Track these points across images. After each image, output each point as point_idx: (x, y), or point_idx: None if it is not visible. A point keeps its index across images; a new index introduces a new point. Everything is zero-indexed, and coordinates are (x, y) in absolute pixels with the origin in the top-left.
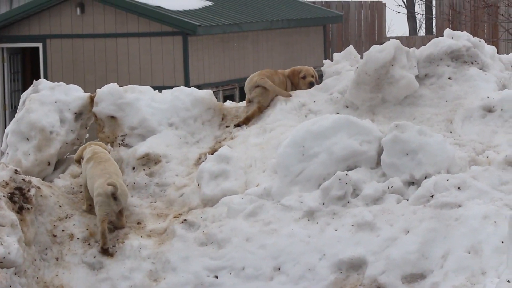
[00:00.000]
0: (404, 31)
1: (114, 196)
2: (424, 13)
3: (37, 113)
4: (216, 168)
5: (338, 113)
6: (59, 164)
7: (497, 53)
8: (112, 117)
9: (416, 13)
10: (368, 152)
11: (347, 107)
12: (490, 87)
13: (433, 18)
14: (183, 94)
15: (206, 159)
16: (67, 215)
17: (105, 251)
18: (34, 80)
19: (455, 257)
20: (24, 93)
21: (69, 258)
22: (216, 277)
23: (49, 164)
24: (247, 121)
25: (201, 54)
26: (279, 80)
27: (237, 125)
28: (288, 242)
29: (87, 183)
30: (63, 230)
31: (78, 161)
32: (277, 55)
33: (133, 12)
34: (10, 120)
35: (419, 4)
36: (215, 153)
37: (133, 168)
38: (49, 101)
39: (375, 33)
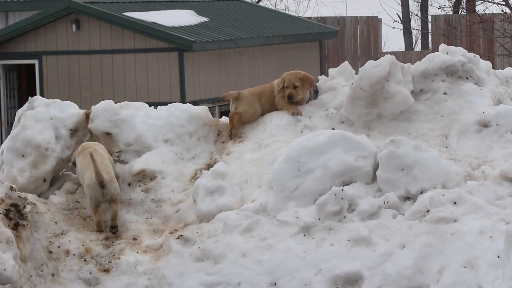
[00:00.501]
0: (400, 46)
1: (102, 185)
2: (420, 29)
3: (32, 130)
4: (211, 184)
5: (333, 129)
6: (55, 180)
7: (493, 68)
8: (108, 134)
9: (412, 29)
10: (363, 167)
11: (343, 122)
12: (486, 102)
13: (429, 33)
14: (178, 110)
15: (201, 175)
16: (62, 231)
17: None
18: (30, 97)
19: (451, 272)
20: (19, 110)
21: (65, 274)
22: None
23: (44, 180)
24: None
25: (197, 70)
26: (265, 99)
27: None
28: (284, 258)
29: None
30: (59, 246)
31: (74, 163)
32: (273, 71)
33: (128, 29)
34: (7, 137)
35: (414, 20)
36: (211, 169)
37: (129, 184)
38: (44, 118)
39: (371, 48)
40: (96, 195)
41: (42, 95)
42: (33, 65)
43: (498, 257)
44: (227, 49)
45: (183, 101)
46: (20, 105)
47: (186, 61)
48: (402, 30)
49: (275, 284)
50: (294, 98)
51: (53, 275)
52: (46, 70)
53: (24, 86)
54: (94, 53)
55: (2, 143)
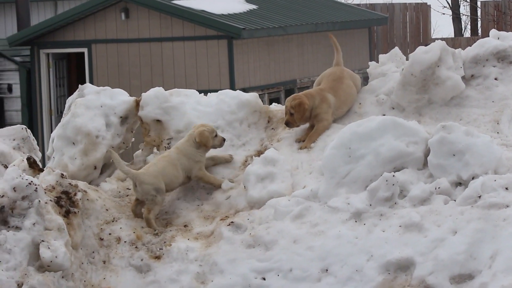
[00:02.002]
0: (449, 32)
1: (135, 185)
2: (469, 15)
3: (83, 118)
4: (262, 170)
5: (384, 115)
6: (105, 168)
7: None
8: (158, 121)
9: (461, 15)
10: (414, 153)
11: (393, 108)
12: None
13: (478, 19)
14: (228, 97)
15: (252, 161)
16: (113, 218)
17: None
18: (80, 85)
19: (504, 257)
20: (69, 97)
21: (116, 261)
22: (264, 279)
23: (95, 168)
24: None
25: (246, 58)
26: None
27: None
28: (336, 244)
29: None
30: (110, 234)
31: None
32: (322, 58)
33: (177, 17)
34: (56, 125)
35: (464, 6)
36: (261, 156)
37: None
38: (94, 106)
39: (420, 34)
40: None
41: (91, 83)
42: (83, 53)
43: None
44: (276, 36)
45: (232, 88)
46: (70, 94)
47: (235, 48)
48: (451, 16)
49: (327, 270)
50: (291, 125)
51: (104, 262)
52: (95, 58)
53: (73, 75)
54: (143, 41)
55: (52, 131)
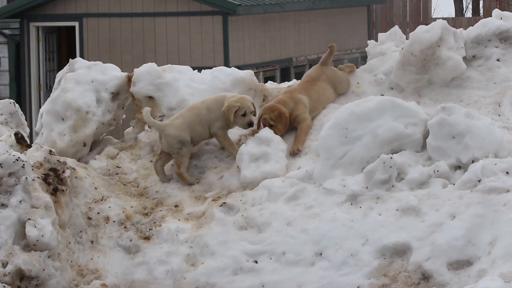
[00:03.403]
0: (450, 12)
1: (160, 137)
2: None
3: (73, 93)
4: (256, 150)
5: (382, 95)
6: (95, 145)
7: None
8: (150, 97)
9: None
10: (413, 135)
11: (392, 88)
12: None
13: None
14: (222, 74)
15: (246, 141)
16: (102, 197)
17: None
18: (70, 59)
19: (503, 243)
20: (59, 72)
21: (105, 242)
22: (256, 262)
23: (84, 145)
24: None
25: (241, 34)
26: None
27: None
28: (330, 227)
29: None
30: (98, 213)
31: None
32: (319, 36)
33: None
34: (45, 100)
35: None
36: (256, 135)
37: None
38: (85, 81)
39: (420, 14)
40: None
41: (82, 58)
42: (73, 27)
43: None
44: (273, 13)
45: (226, 65)
46: (60, 69)
47: (230, 25)
48: None
49: (321, 254)
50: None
51: (92, 242)
52: (86, 32)
53: (63, 49)
54: (136, 16)
55: (41, 106)
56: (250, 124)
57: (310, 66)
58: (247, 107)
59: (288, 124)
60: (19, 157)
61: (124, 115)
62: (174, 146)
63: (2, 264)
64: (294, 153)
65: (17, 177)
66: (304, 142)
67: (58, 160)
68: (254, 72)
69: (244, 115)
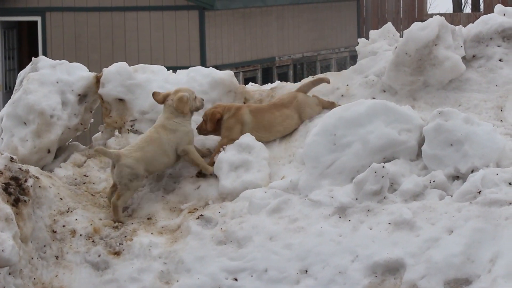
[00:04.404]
0: (448, 7)
1: (113, 165)
2: None
3: (36, 95)
4: (236, 158)
5: (374, 98)
6: (60, 151)
7: None
8: (121, 100)
9: None
10: (407, 142)
11: (385, 91)
12: None
13: None
14: (200, 75)
15: (225, 148)
16: (68, 208)
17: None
18: (33, 58)
19: (505, 260)
20: (21, 71)
21: (71, 257)
22: (236, 279)
23: (49, 151)
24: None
25: (220, 31)
26: None
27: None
28: (317, 242)
29: None
30: (64, 226)
31: None
32: (304, 33)
33: None
34: (5, 102)
35: None
36: (236, 142)
37: None
38: (49, 81)
39: (415, 9)
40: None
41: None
42: (35, 22)
43: None
44: (254, 8)
45: (203, 65)
46: (20, 68)
47: (207, 21)
48: None
49: (306, 271)
50: (201, 132)
51: (57, 257)
52: (50, 28)
53: (24, 46)
54: (104, 10)
55: (0, 109)
56: (202, 99)
57: (294, 67)
58: (189, 91)
59: (215, 127)
60: None
61: (92, 119)
62: (125, 177)
63: None
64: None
65: None
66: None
67: (20, 168)
68: (234, 73)
69: (194, 98)
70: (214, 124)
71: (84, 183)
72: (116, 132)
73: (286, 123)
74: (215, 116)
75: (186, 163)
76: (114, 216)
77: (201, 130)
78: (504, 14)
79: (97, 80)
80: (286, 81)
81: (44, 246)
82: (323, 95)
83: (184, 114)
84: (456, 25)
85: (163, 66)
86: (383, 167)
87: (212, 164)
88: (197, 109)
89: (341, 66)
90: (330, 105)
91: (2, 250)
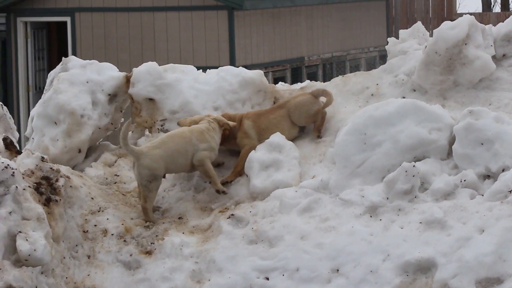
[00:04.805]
0: (477, 7)
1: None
2: None
3: (66, 94)
4: (267, 157)
5: (404, 97)
6: (91, 151)
7: None
8: (151, 100)
9: None
10: (438, 141)
11: (415, 90)
12: None
13: None
14: (230, 75)
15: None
16: (100, 208)
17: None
18: (63, 58)
19: None
20: (51, 72)
21: (102, 256)
22: (267, 278)
23: (79, 151)
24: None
25: (249, 31)
26: None
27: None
28: (348, 241)
29: None
30: (95, 225)
31: None
32: (333, 33)
33: None
34: (34, 103)
35: None
36: (266, 141)
37: None
38: (79, 81)
39: (444, 8)
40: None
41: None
42: (65, 23)
43: None
44: (283, 8)
45: (232, 65)
46: (50, 68)
47: (237, 21)
48: None
49: (338, 270)
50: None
51: (89, 257)
52: (79, 29)
53: (54, 47)
54: (133, 11)
55: (30, 109)
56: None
57: (324, 66)
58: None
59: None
60: (8, 165)
61: (122, 119)
62: (144, 178)
63: None
64: (225, 181)
65: (7, 186)
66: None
67: (51, 168)
68: (263, 73)
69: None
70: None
71: (115, 183)
72: (147, 132)
73: (281, 125)
74: (224, 132)
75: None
76: (145, 217)
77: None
78: None
79: (127, 80)
80: (316, 80)
81: (76, 245)
82: (352, 94)
83: (224, 135)
84: (485, 25)
85: (192, 66)
86: (413, 166)
87: (237, 173)
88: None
89: (371, 65)
90: (323, 93)
91: (35, 250)
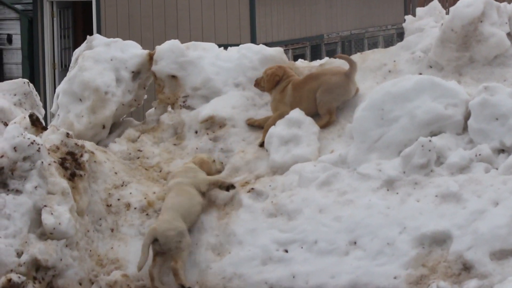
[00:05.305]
0: None
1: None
2: None
3: (91, 72)
4: (286, 132)
5: (420, 74)
6: (115, 127)
7: None
8: (173, 77)
9: None
10: (453, 116)
11: (431, 67)
12: None
13: None
14: (250, 52)
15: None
16: (123, 182)
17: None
18: (88, 36)
19: None
20: (76, 50)
21: (126, 230)
22: (286, 251)
23: (103, 127)
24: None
25: (269, 10)
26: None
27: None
28: (365, 214)
29: None
30: (118, 199)
31: None
32: (352, 11)
33: None
34: (60, 80)
35: None
36: (286, 116)
37: (196, 132)
38: (104, 59)
39: None
40: (147, 242)
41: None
42: (90, 2)
43: None
44: None
45: (253, 43)
46: (75, 46)
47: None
48: None
49: (355, 242)
50: (257, 87)
51: (112, 230)
52: (104, 8)
53: (79, 26)
54: None
55: (56, 86)
56: (220, 171)
57: (342, 44)
58: (210, 157)
59: (272, 87)
60: (34, 140)
61: (146, 96)
62: (172, 243)
63: (17, 253)
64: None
65: (32, 162)
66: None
67: (75, 144)
68: (283, 50)
69: (213, 161)
70: (271, 85)
71: (138, 158)
72: (169, 108)
73: (311, 98)
74: (274, 78)
75: (236, 137)
76: (177, 281)
77: (258, 85)
78: None
79: (150, 57)
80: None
81: (100, 219)
82: (370, 70)
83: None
84: (501, 2)
85: (214, 44)
86: (429, 141)
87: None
88: (219, 172)
89: (388, 43)
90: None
91: (59, 223)
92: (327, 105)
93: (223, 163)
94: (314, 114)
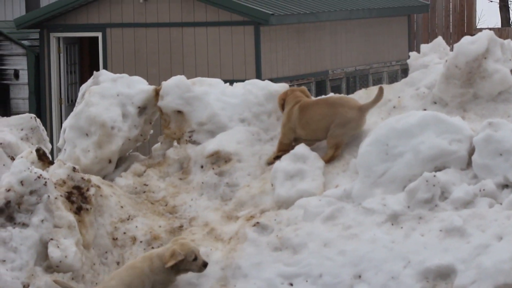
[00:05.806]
0: (496, 22)
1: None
2: None
3: (97, 107)
4: (291, 167)
5: (425, 109)
6: (121, 162)
7: None
8: (179, 112)
9: (509, 3)
10: (458, 152)
11: (435, 103)
12: None
13: None
14: (256, 88)
15: (280, 157)
16: (129, 216)
17: None
18: (94, 72)
19: None
20: (83, 85)
21: None
22: (291, 284)
23: (110, 161)
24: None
25: (274, 46)
26: None
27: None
28: (370, 248)
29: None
30: (124, 233)
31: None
32: (356, 47)
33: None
34: (67, 115)
35: None
36: (291, 151)
37: (201, 167)
38: (110, 94)
39: (464, 24)
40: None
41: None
42: (96, 38)
43: None
44: (307, 23)
45: (258, 79)
46: (82, 82)
47: (263, 35)
48: (498, 4)
49: (360, 276)
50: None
51: (118, 263)
52: (110, 44)
53: (86, 61)
54: (163, 26)
55: (62, 121)
56: (205, 265)
57: (347, 80)
58: (194, 251)
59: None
60: (41, 174)
61: (152, 131)
62: None
63: (23, 286)
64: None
65: (39, 195)
66: (275, 156)
67: (82, 178)
68: (289, 86)
69: (195, 259)
70: (280, 108)
71: (144, 192)
72: (175, 143)
73: (321, 124)
74: (279, 101)
75: (242, 172)
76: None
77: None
78: None
79: (156, 93)
80: (340, 93)
81: (106, 252)
82: (375, 107)
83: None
84: (504, 39)
85: (220, 79)
86: (434, 176)
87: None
88: (195, 270)
89: (393, 79)
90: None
91: (66, 256)
92: (337, 139)
93: (206, 267)
94: (316, 139)
